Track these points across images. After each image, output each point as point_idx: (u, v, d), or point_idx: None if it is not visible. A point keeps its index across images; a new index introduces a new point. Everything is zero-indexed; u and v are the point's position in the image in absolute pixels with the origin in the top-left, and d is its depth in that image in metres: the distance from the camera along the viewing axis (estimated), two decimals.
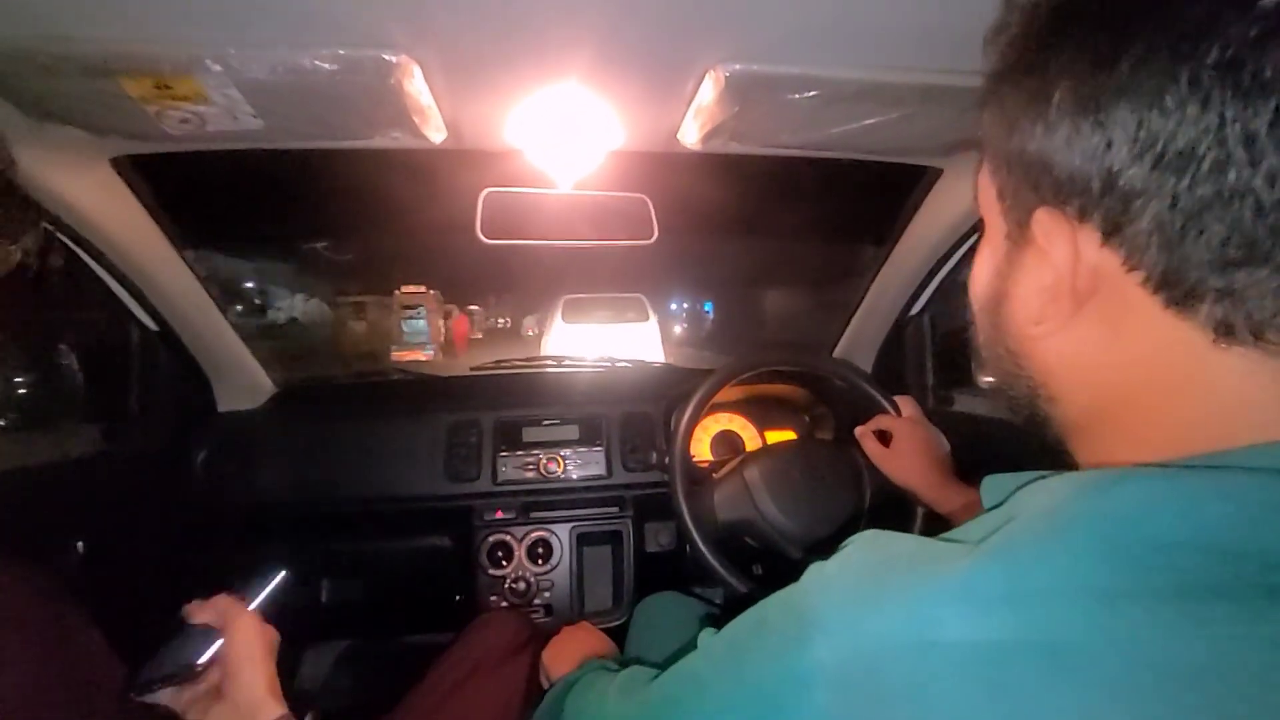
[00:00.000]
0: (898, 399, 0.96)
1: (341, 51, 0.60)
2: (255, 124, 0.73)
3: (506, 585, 1.20)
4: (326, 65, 0.61)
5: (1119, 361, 0.29)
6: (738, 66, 0.63)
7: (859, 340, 1.32)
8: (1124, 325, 0.28)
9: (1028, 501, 0.28)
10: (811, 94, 0.68)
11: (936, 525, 0.85)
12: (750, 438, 1.36)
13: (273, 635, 0.61)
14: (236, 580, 0.65)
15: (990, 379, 0.38)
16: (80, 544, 0.91)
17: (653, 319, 7.71)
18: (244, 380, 1.23)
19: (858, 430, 0.95)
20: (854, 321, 1.32)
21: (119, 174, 0.85)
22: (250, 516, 1.17)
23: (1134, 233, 0.26)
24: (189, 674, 0.56)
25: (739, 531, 0.93)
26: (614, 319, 7.56)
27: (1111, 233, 0.27)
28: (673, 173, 1.08)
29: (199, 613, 0.61)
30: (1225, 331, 0.26)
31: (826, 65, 0.63)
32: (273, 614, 0.63)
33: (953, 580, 0.25)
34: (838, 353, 1.37)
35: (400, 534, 1.26)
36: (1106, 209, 0.27)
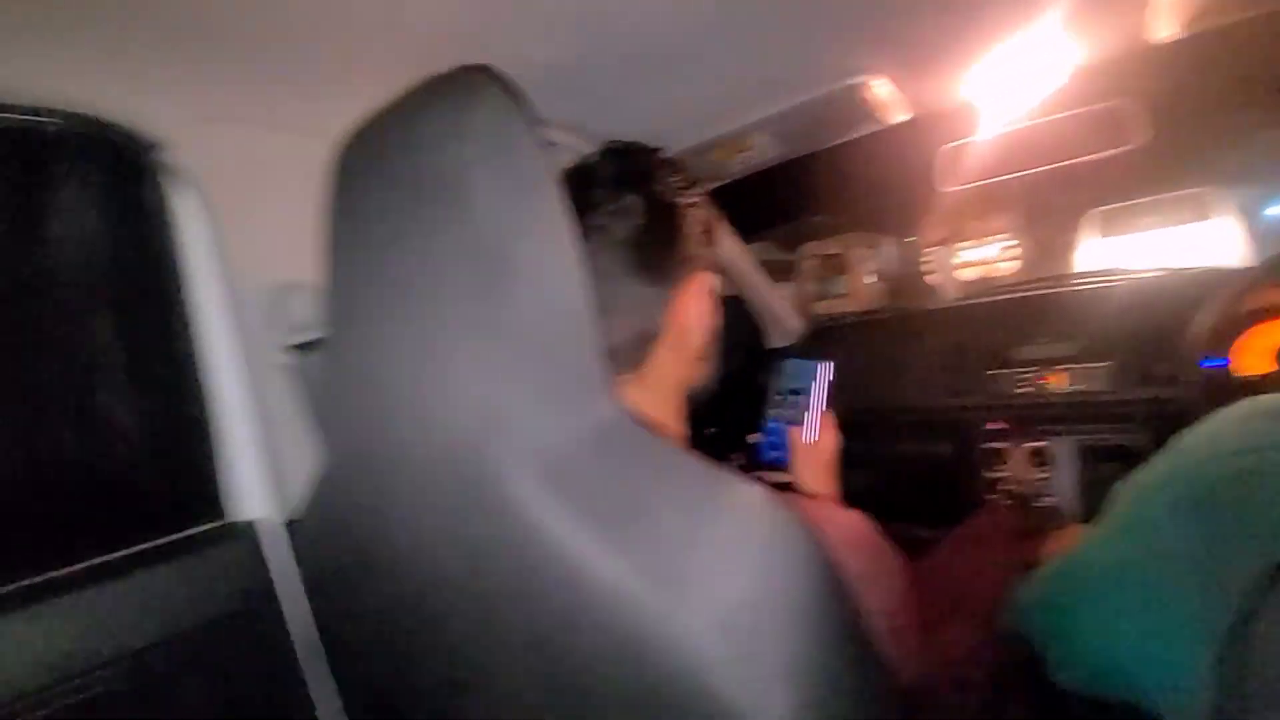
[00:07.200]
0: None
1: (833, 88, 0.91)
2: (779, 148, 1.12)
3: (1006, 489, 1.33)
4: (822, 100, 0.94)
5: None
6: None
7: None
8: None
9: None
10: None
11: None
12: None
13: (833, 454, 0.76)
14: (790, 379, 0.86)
15: None
16: (711, 430, 1.52)
17: (1220, 215, 5.25)
18: (783, 326, 1.72)
19: None
20: None
21: None
22: None
23: None
24: (785, 470, 0.72)
25: None
26: (1161, 224, 5.53)
27: None
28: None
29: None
30: None
31: None
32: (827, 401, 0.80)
33: None
34: None
35: (910, 438, 1.53)
36: None
